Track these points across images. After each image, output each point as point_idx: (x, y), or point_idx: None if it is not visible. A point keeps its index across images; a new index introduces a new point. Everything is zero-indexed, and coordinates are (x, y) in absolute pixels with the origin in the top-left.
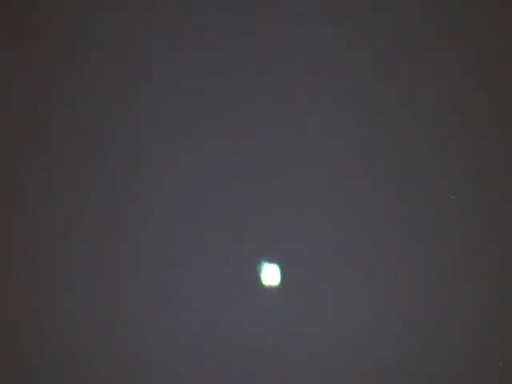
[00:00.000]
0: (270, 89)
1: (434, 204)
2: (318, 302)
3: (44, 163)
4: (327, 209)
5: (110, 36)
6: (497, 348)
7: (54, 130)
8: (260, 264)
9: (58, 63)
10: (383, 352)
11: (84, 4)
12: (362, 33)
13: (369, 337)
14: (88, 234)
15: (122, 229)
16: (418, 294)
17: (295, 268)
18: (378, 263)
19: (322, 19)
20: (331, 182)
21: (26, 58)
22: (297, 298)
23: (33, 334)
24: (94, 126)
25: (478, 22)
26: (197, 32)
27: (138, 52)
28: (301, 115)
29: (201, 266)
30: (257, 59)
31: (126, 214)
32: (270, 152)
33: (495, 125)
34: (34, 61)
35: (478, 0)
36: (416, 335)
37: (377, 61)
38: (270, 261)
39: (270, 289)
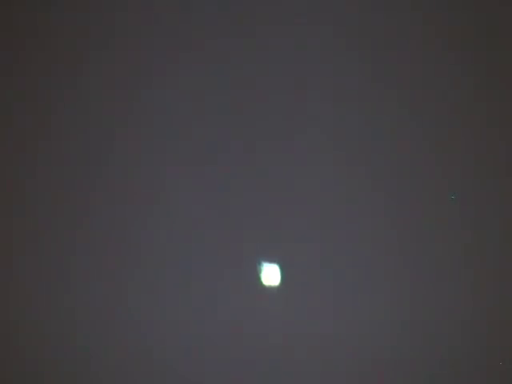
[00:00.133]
0: (270, 89)
1: (434, 204)
2: (318, 302)
3: (44, 163)
4: (327, 209)
5: (110, 36)
6: (497, 348)
7: (54, 130)
8: (260, 264)
9: (58, 63)
10: (383, 352)
11: (84, 4)
12: (362, 33)
13: (369, 337)
14: (88, 233)
15: (121, 229)
16: (418, 293)
17: (295, 268)
18: (378, 263)
19: (322, 19)
20: (331, 182)
21: (26, 58)
22: (297, 298)
23: (33, 334)
24: (93, 126)
25: (478, 22)
26: (197, 32)
27: (138, 52)
28: (301, 115)
29: (201, 265)
30: (257, 59)
31: (126, 214)
32: (270, 152)
33: (495, 125)
34: (34, 61)
35: (478, 0)
36: (416, 335)
37: (377, 61)
38: (270, 261)
39: (270, 289)
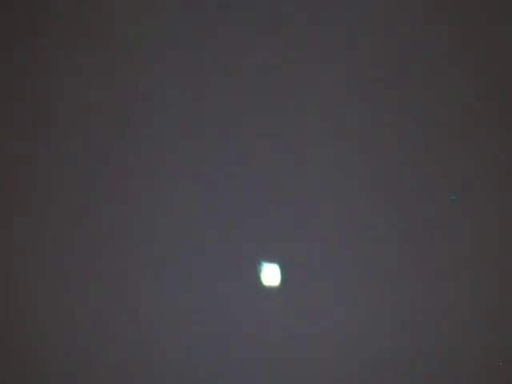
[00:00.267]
0: (270, 89)
1: (434, 204)
2: (318, 302)
3: (44, 163)
4: (327, 209)
5: (110, 36)
6: (497, 348)
7: (54, 130)
8: (260, 264)
9: (58, 63)
10: (383, 352)
11: (84, 4)
12: (361, 33)
13: (369, 337)
14: (88, 233)
15: (121, 229)
16: (418, 294)
17: (295, 268)
18: (378, 263)
19: (322, 19)
20: (331, 182)
21: (25, 57)
22: (297, 298)
23: (33, 334)
24: (93, 126)
25: (478, 22)
26: (197, 32)
27: (138, 52)
28: (301, 115)
29: (201, 265)
30: (257, 59)
31: (126, 214)
32: (270, 152)
33: (495, 125)
34: (34, 61)
35: (478, 0)
36: (416, 335)
37: (377, 61)
38: (270, 261)
39: (270, 289)
